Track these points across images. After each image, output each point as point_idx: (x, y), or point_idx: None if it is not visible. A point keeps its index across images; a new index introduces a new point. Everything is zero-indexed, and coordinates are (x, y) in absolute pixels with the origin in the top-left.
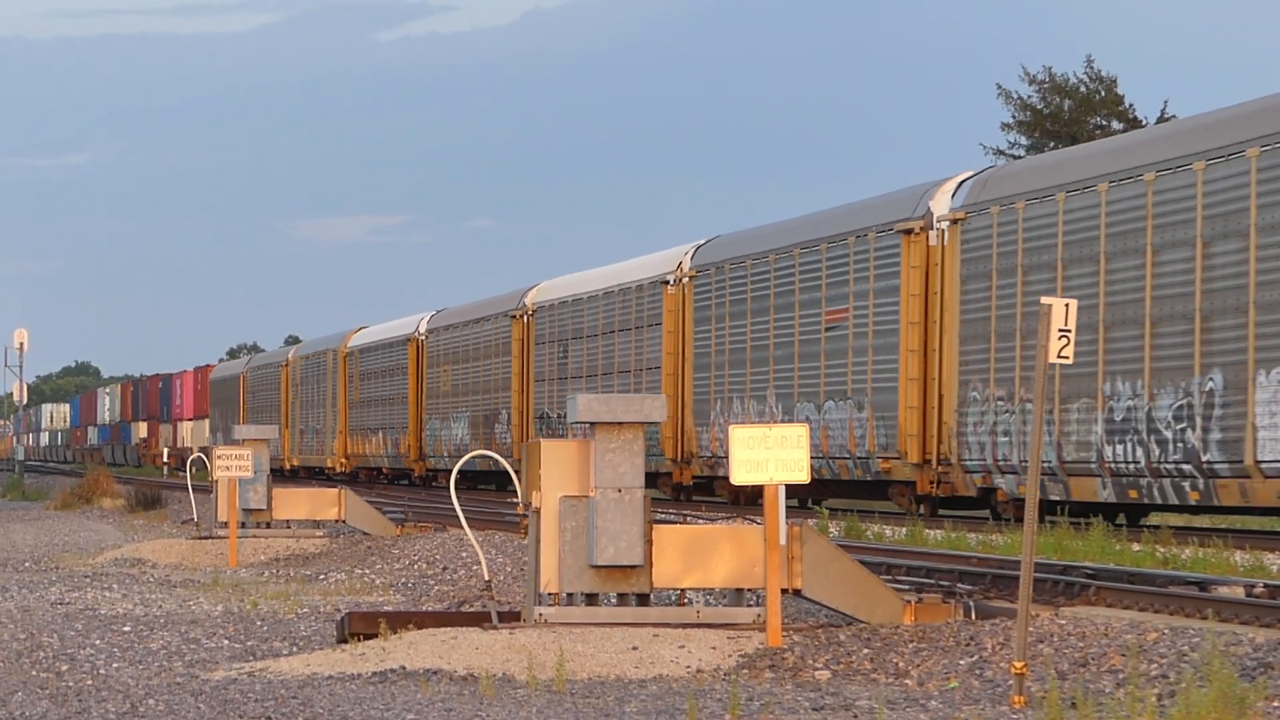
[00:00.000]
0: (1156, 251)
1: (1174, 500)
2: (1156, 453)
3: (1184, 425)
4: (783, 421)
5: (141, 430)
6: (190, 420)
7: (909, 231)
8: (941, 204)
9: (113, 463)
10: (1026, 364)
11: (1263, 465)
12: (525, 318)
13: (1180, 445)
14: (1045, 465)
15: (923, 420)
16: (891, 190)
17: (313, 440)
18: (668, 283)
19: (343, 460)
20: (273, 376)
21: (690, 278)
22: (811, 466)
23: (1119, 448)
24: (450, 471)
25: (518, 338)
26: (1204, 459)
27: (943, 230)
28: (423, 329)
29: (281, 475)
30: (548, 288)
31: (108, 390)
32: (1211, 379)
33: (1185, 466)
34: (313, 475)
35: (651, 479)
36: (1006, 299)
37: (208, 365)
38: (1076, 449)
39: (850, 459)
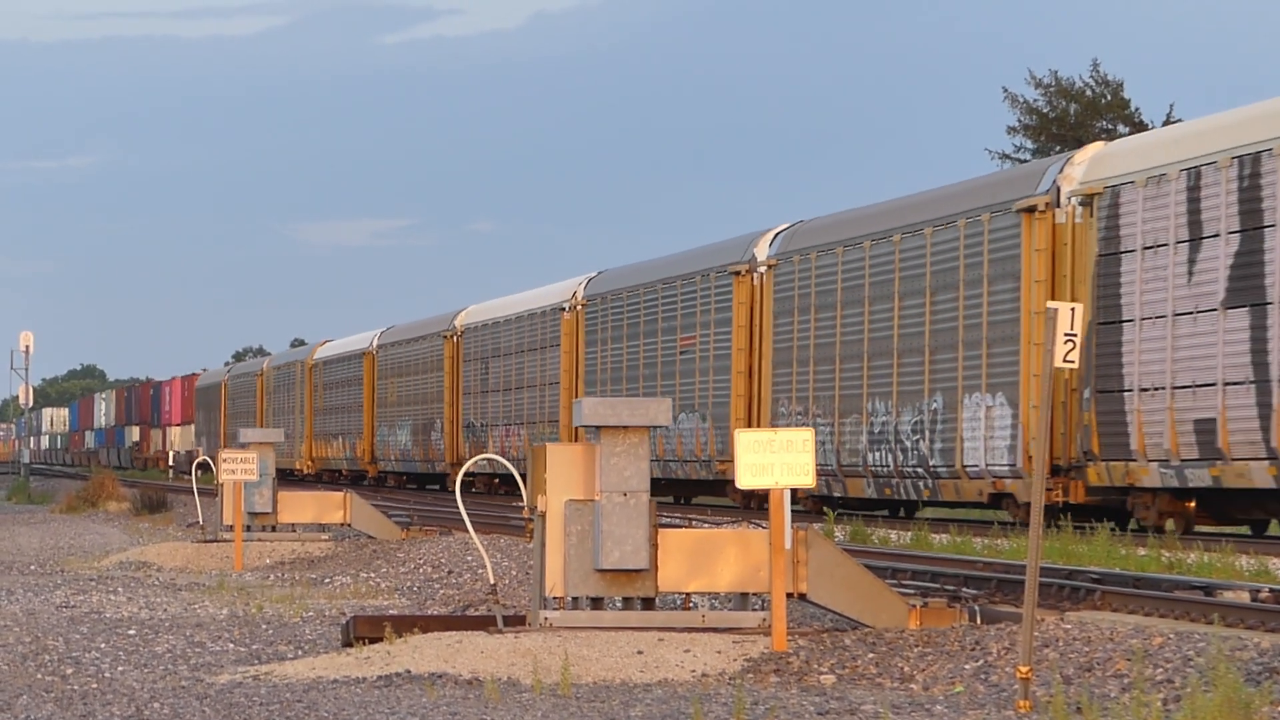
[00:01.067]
0: (902, 298)
1: (913, 497)
2: (901, 459)
3: (919, 437)
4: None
5: (134, 434)
6: (178, 425)
7: (738, 273)
8: (762, 251)
9: (106, 465)
10: (818, 386)
11: (968, 469)
12: (455, 338)
13: (916, 453)
14: (828, 467)
15: (751, 424)
16: (734, 236)
17: (284, 444)
18: (564, 310)
19: (309, 463)
20: (250, 385)
21: (582, 306)
22: (669, 467)
23: (877, 454)
24: (394, 473)
25: (449, 355)
26: (931, 464)
27: (762, 274)
28: (375, 344)
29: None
30: (474, 311)
31: (103, 396)
32: (935, 401)
33: (919, 469)
34: (282, 476)
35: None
36: (804, 333)
37: (194, 373)
38: (849, 455)
39: (697, 461)
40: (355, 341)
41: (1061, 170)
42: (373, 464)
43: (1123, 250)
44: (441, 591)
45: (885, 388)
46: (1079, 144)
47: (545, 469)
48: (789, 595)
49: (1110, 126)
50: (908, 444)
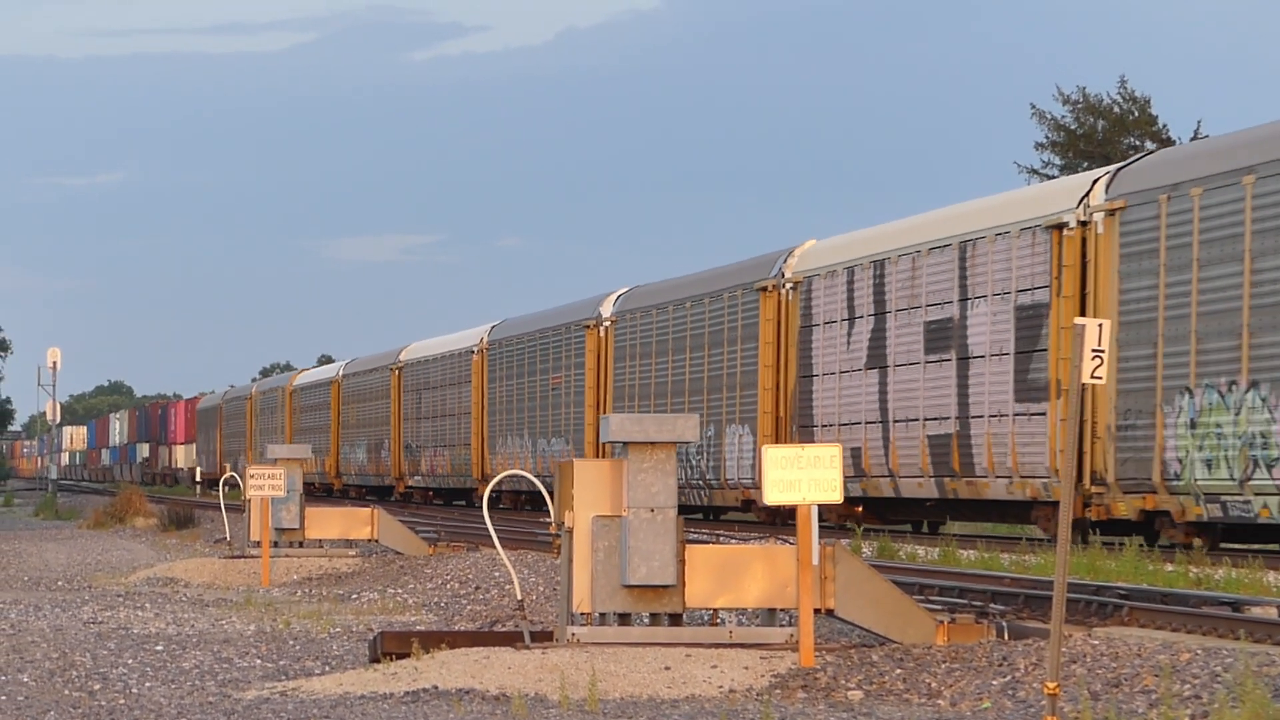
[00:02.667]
0: (691, 351)
1: (696, 502)
2: (689, 473)
3: (701, 457)
4: (528, 450)
5: (144, 451)
6: (182, 444)
7: (588, 327)
8: (608, 308)
9: (120, 480)
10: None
11: (728, 481)
12: (398, 371)
13: (699, 468)
14: None
15: (598, 450)
16: (582, 297)
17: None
18: (473, 352)
19: None
20: (241, 408)
21: (485, 350)
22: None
23: (681, 470)
24: (355, 486)
25: (394, 385)
26: (708, 477)
27: (606, 327)
28: (340, 374)
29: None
30: (413, 349)
31: (118, 416)
32: (710, 430)
33: (699, 481)
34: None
35: (467, 493)
36: (632, 375)
37: (197, 396)
38: (694, 469)
39: (717, 484)
40: (325, 371)
41: (785, 261)
42: (338, 478)
43: (813, 324)
44: (469, 607)
45: (716, 413)
46: (1107, 160)
47: (573, 485)
48: (816, 611)
49: (1138, 143)
50: (694, 462)
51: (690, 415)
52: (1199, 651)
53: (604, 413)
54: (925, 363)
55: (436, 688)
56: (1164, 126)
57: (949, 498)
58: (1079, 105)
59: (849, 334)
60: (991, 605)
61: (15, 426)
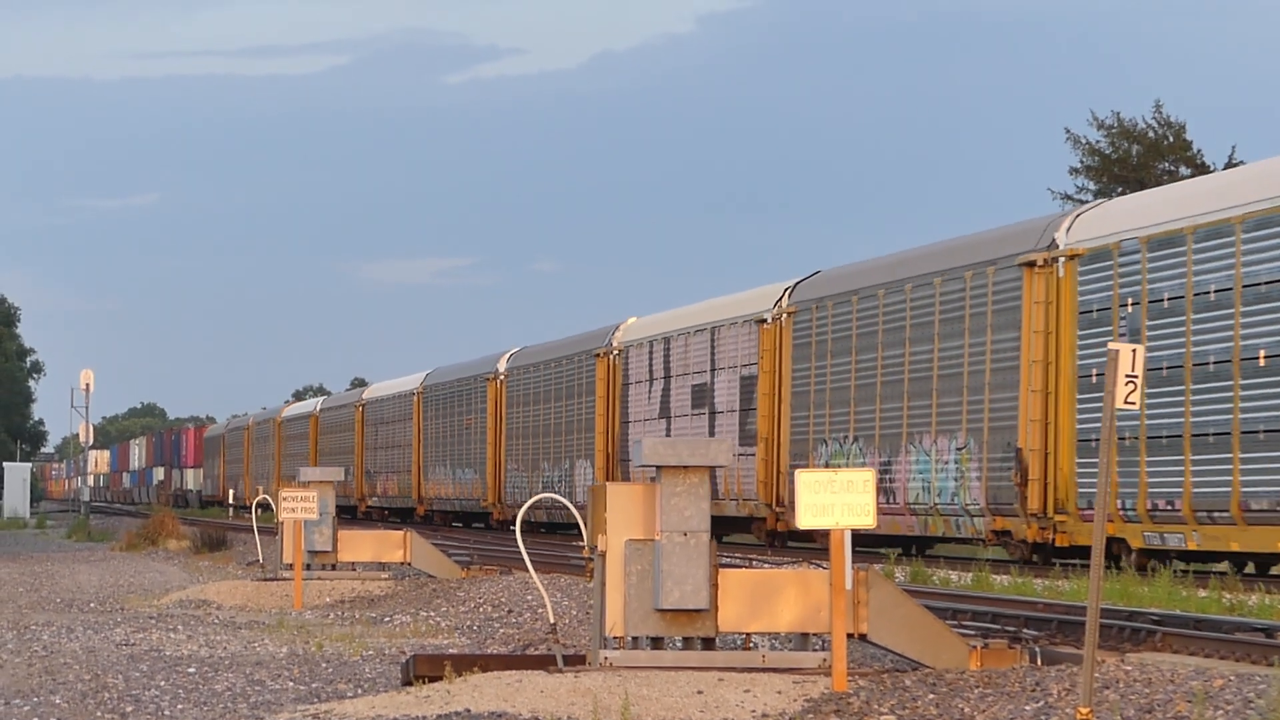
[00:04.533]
0: (556, 400)
1: (560, 520)
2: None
3: (560, 485)
4: (449, 477)
5: (160, 474)
6: (191, 468)
7: (489, 380)
8: (502, 365)
9: (141, 502)
10: (535, 451)
11: (577, 504)
12: (361, 408)
13: (560, 493)
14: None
15: (497, 478)
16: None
17: (262, 484)
18: (413, 394)
19: None
20: (240, 437)
21: (421, 393)
22: (457, 506)
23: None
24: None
25: (358, 420)
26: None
27: (501, 380)
28: (318, 409)
29: (246, 509)
30: (373, 389)
31: (137, 441)
32: (566, 463)
33: (563, 501)
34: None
35: (408, 513)
36: (521, 419)
37: (205, 424)
38: (533, 493)
39: (473, 500)
40: (306, 405)
41: (614, 334)
42: None
43: (630, 382)
44: (501, 630)
45: (553, 454)
46: (1141, 185)
47: (606, 508)
48: (849, 635)
49: (1172, 168)
50: (559, 488)
51: (722, 439)
52: (1232, 678)
53: (498, 448)
54: (691, 415)
55: (469, 711)
56: (1199, 152)
57: (717, 515)
58: (1114, 130)
59: (649, 391)
60: (1024, 630)
61: (48, 448)
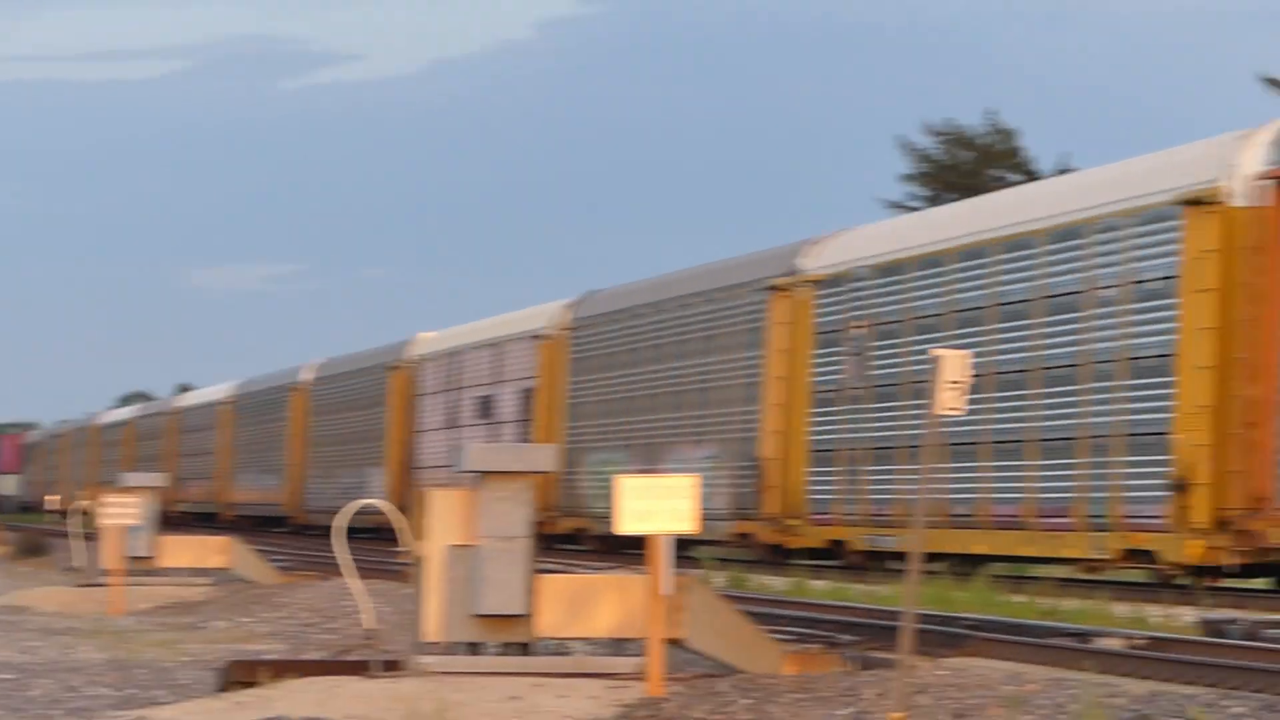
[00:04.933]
0: (355, 410)
1: (358, 525)
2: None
3: (355, 492)
4: (253, 481)
5: None
6: (9, 474)
7: (292, 390)
8: (308, 375)
9: None
10: (317, 461)
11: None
12: (174, 416)
13: (356, 498)
14: (327, 506)
15: (298, 485)
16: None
17: (79, 490)
18: (219, 405)
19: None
20: (56, 445)
21: (233, 402)
22: (260, 511)
23: (341, 501)
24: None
25: (170, 429)
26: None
27: (305, 391)
28: (134, 416)
29: (62, 515)
30: (186, 397)
31: None
32: (363, 473)
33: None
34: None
35: (215, 517)
36: (326, 428)
37: (24, 430)
38: (327, 500)
39: (275, 505)
40: (122, 413)
41: (407, 347)
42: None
43: (421, 394)
44: (319, 636)
45: (350, 462)
46: (974, 192)
47: (426, 514)
48: (666, 640)
49: (1005, 175)
50: (355, 495)
51: (548, 446)
52: (1046, 682)
53: (301, 456)
54: (475, 425)
55: (284, 716)
56: (1031, 159)
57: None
58: (946, 137)
59: (439, 403)
60: (840, 636)
61: None
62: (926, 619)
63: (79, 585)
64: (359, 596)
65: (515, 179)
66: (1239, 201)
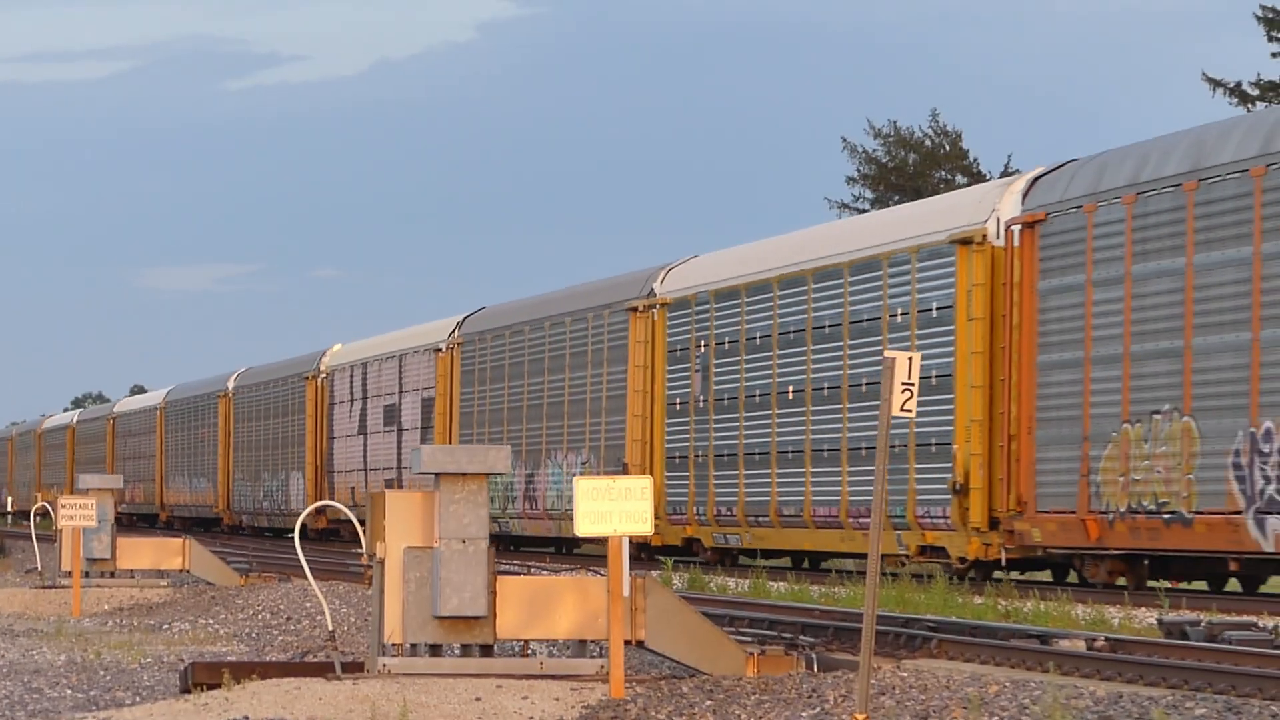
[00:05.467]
0: (272, 418)
1: (278, 526)
2: (273, 502)
3: (280, 494)
4: (188, 485)
5: None
6: None
7: (220, 397)
8: (231, 384)
9: None
10: (243, 464)
11: (290, 510)
12: (113, 421)
13: (275, 499)
14: (257, 508)
15: (227, 487)
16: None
17: (23, 491)
18: (156, 409)
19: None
20: (4, 447)
21: (163, 408)
22: (192, 512)
23: (265, 502)
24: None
25: (109, 432)
26: (281, 507)
27: (229, 398)
28: (75, 421)
29: (21, 516)
30: (123, 403)
31: None
32: (282, 474)
33: (275, 510)
34: (21, 515)
35: (153, 518)
36: (246, 433)
37: None
38: (256, 501)
39: (207, 506)
40: (63, 418)
41: (321, 359)
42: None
43: (334, 402)
44: (280, 638)
45: (272, 466)
46: (918, 194)
47: (385, 515)
48: (627, 642)
49: (949, 176)
50: (277, 496)
51: (503, 447)
52: (1007, 684)
53: (228, 460)
54: (384, 432)
55: (248, 718)
56: (975, 160)
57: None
58: (890, 139)
59: (350, 411)
60: (801, 637)
61: None
62: (887, 621)
63: (39, 587)
64: (319, 598)
65: (461, 179)
66: (999, 242)
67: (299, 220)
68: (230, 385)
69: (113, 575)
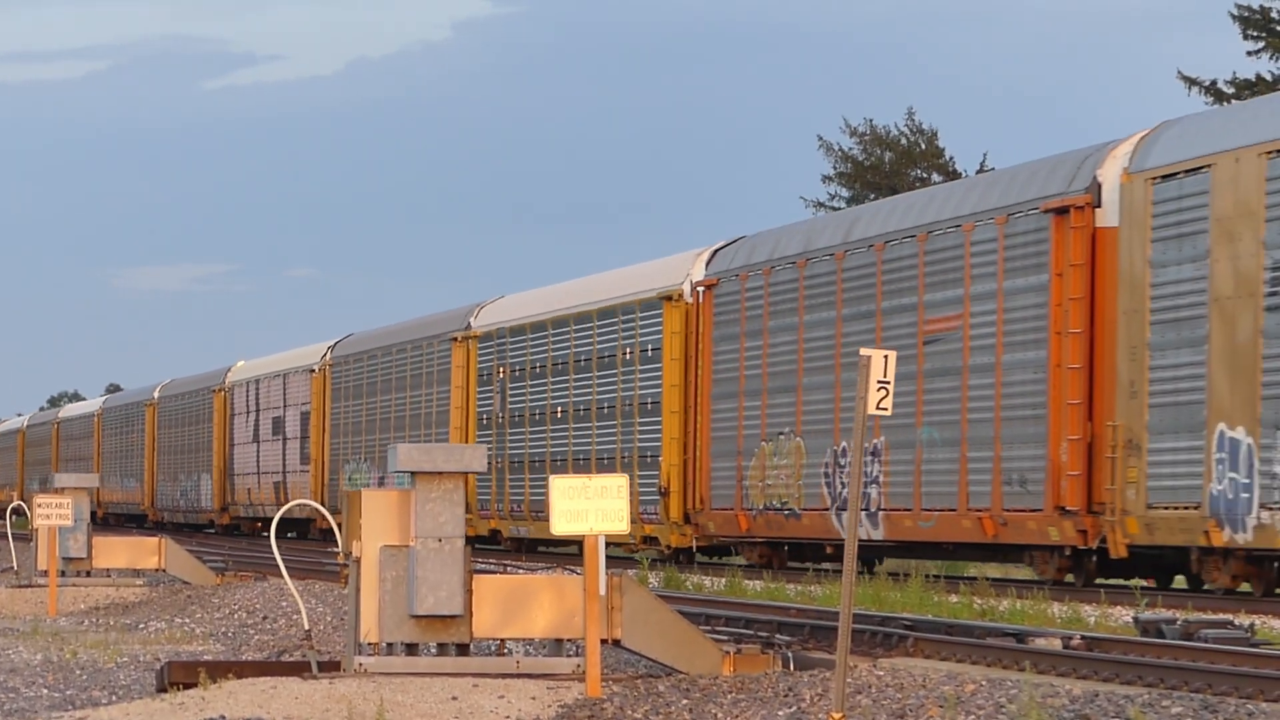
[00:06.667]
0: (187, 425)
1: (196, 523)
2: (188, 501)
3: (194, 491)
4: (119, 484)
5: None
6: None
7: (146, 405)
8: (155, 395)
9: None
10: (164, 467)
11: (204, 507)
12: (57, 426)
13: (191, 499)
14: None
15: (151, 487)
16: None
17: None
18: (93, 416)
19: None
20: None
21: (100, 415)
22: (124, 509)
23: (183, 499)
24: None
25: (54, 436)
26: (196, 505)
27: (154, 407)
28: (25, 425)
29: None
30: (68, 409)
31: None
32: (195, 476)
33: (191, 508)
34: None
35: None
36: (168, 440)
37: None
38: (178, 497)
39: (135, 504)
40: (13, 423)
41: (226, 375)
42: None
43: (234, 414)
44: (257, 637)
45: (187, 469)
46: (894, 192)
47: (360, 514)
48: (603, 641)
49: (925, 175)
50: (190, 495)
51: (479, 446)
52: (984, 682)
53: (153, 463)
54: (272, 440)
55: (224, 717)
56: (951, 159)
57: (290, 518)
58: (866, 137)
59: (247, 421)
60: (777, 636)
61: None
62: (863, 619)
63: (14, 586)
64: (296, 597)
65: (438, 178)
66: (690, 299)
67: (275, 220)
68: (156, 395)
69: (89, 574)
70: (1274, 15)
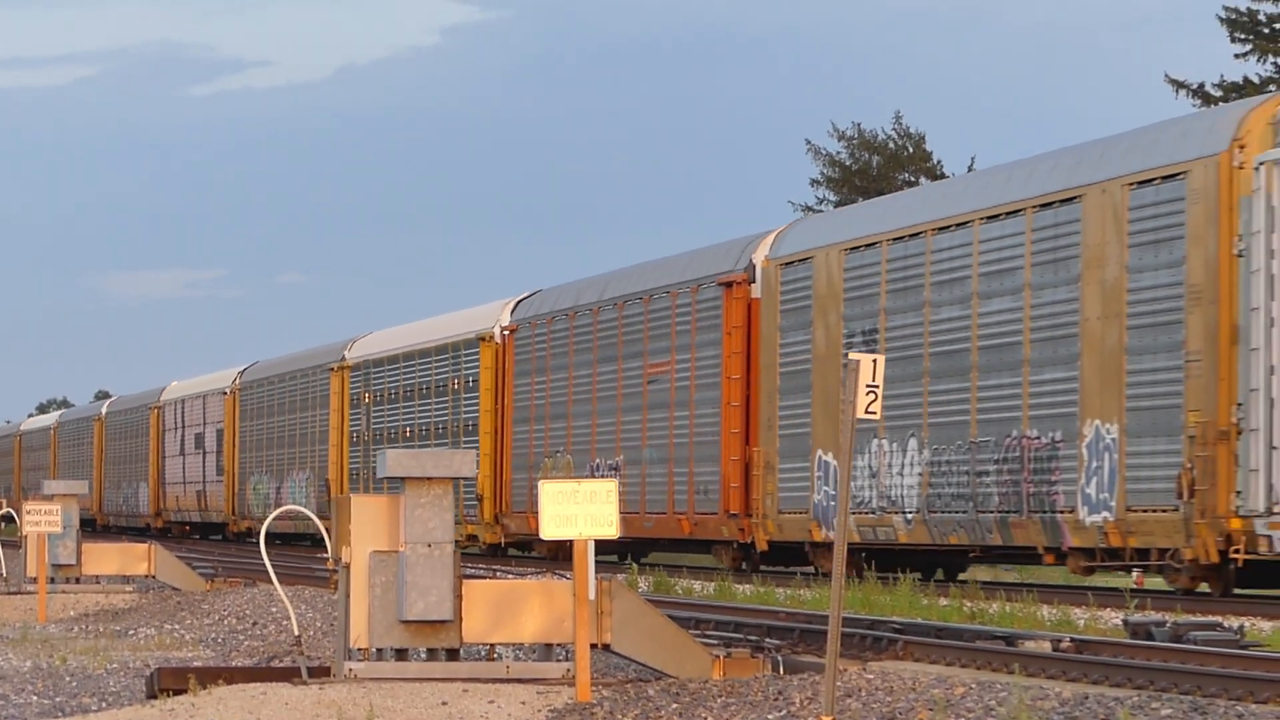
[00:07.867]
0: (127, 439)
1: (135, 526)
2: (129, 506)
3: (135, 499)
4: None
5: None
6: None
7: (95, 420)
8: (103, 411)
9: None
10: (109, 476)
11: (142, 513)
12: (19, 438)
13: (133, 504)
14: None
15: (100, 493)
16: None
17: None
18: (50, 429)
19: None
20: None
21: (57, 429)
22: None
23: (124, 504)
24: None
25: (16, 448)
26: (136, 510)
27: (101, 422)
28: None
29: None
30: (29, 422)
31: None
32: (133, 485)
33: (132, 512)
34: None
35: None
36: (118, 452)
37: None
38: (120, 504)
39: (84, 509)
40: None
41: (160, 394)
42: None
43: (165, 429)
44: (246, 643)
45: (127, 478)
46: (881, 194)
47: (350, 520)
48: (593, 646)
49: (913, 179)
50: (131, 502)
51: (467, 451)
52: (973, 685)
53: (100, 472)
54: (194, 454)
55: None
56: (938, 163)
57: (209, 522)
58: (854, 141)
59: (175, 437)
60: (767, 640)
61: None
62: (853, 623)
63: (3, 593)
64: (285, 603)
65: (427, 183)
66: (498, 340)
67: (265, 225)
68: (104, 411)
69: (78, 581)
70: (1261, 18)
